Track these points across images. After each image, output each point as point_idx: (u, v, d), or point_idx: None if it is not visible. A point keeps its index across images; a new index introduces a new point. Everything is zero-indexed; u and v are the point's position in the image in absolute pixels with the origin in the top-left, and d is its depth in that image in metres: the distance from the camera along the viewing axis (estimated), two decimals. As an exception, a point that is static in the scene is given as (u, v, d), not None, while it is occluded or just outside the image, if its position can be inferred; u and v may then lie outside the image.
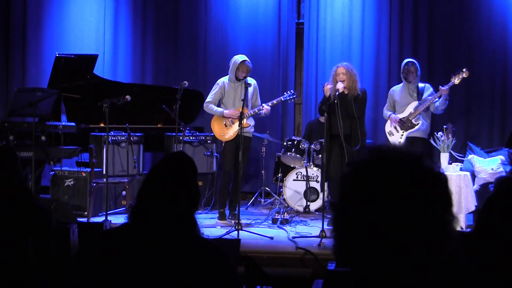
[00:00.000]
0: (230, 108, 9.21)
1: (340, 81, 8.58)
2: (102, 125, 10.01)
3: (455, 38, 11.46)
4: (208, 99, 9.27)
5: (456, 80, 9.08)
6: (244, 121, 9.08)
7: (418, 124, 9.21)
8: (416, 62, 9.40)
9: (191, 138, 10.35)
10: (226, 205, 9.44)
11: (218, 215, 9.31)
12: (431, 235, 1.64)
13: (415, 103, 9.24)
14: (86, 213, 9.05)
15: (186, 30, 12.15)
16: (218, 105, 9.31)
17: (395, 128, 9.40)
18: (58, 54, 9.82)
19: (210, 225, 8.97)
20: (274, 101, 9.38)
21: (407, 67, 9.41)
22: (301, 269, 6.99)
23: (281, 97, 9.49)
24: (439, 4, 11.55)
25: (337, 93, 8.44)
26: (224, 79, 9.26)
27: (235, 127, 9.08)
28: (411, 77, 9.33)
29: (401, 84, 9.53)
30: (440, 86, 9.08)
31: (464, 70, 9.16)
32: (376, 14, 11.70)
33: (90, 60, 10.17)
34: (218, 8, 12.11)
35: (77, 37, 11.88)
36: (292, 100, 9.73)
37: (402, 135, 9.29)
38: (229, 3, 12.07)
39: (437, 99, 9.08)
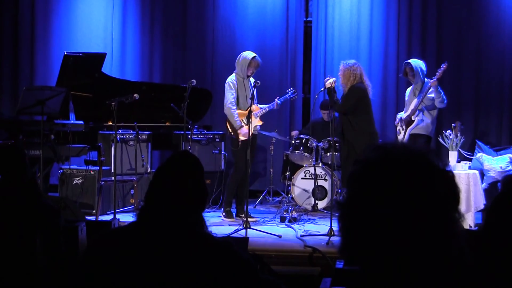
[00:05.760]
0: (242, 107, 9.21)
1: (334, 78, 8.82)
2: (110, 123, 10.01)
3: (464, 36, 11.45)
4: (230, 100, 9.15)
5: (439, 74, 9.06)
6: (257, 118, 9.18)
7: (416, 120, 9.20)
8: (410, 62, 9.32)
9: (199, 136, 10.35)
10: (233, 203, 9.47)
11: (224, 214, 9.31)
12: (438, 233, 1.63)
13: (416, 100, 9.24)
14: (94, 211, 9.05)
15: (194, 29, 12.16)
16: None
17: (401, 126, 9.43)
18: (66, 52, 9.83)
19: (218, 223, 8.98)
20: (282, 99, 9.46)
21: (403, 69, 9.49)
22: (309, 268, 6.99)
23: (286, 96, 9.59)
24: (448, 2, 11.53)
25: (322, 88, 8.74)
26: (233, 78, 9.25)
27: (251, 126, 9.08)
28: (410, 78, 9.36)
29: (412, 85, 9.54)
30: (428, 79, 9.11)
31: (445, 63, 9.14)
32: (384, 12, 11.69)
33: (99, 58, 10.18)
34: (226, 6, 12.11)
35: (85, 36, 11.89)
36: (296, 96, 9.89)
37: (405, 132, 9.31)
38: (237, 1, 12.07)
39: (430, 92, 9.08)
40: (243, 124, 9.12)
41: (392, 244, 1.63)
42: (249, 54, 9.18)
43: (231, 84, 9.20)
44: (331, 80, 8.80)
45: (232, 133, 9.26)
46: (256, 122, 9.23)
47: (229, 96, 9.21)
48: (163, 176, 2.94)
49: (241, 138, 9.12)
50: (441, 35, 11.54)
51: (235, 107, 9.18)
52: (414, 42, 11.61)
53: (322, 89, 8.84)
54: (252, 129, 8.88)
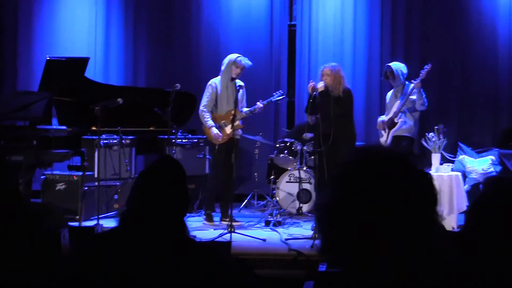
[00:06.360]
0: (223, 109, 9.22)
1: (323, 81, 8.70)
2: (94, 128, 9.97)
3: (447, 39, 11.51)
4: (203, 103, 9.26)
5: (423, 75, 9.11)
6: (237, 122, 9.14)
7: (399, 122, 9.25)
8: (391, 66, 9.46)
9: (183, 140, 10.33)
10: (215, 207, 9.47)
11: (205, 217, 9.31)
12: (418, 233, 1.64)
13: (398, 102, 9.30)
14: (77, 217, 9.00)
15: (179, 32, 12.15)
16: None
17: (383, 129, 9.46)
18: (49, 57, 9.79)
19: (203, 227, 8.97)
20: (265, 102, 9.41)
21: (384, 72, 9.59)
22: (294, 271, 6.99)
23: (271, 98, 9.55)
24: (431, 6, 11.60)
25: (315, 92, 8.55)
26: (215, 81, 9.27)
27: (228, 130, 9.07)
28: (391, 81, 9.45)
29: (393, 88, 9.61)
30: (412, 80, 9.17)
31: (429, 65, 9.19)
32: (368, 16, 11.74)
33: (82, 63, 10.12)
34: (210, 10, 12.10)
35: (68, 40, 11.84)
36: (282, 99, 9.85)
37: (388, 134, 9.35)
38: (221, 5, 12.07)
39: (413, 93, 9.13)
40: (213, 124, 9.15)
41: (373, 245, 1.64)
42: (232, 56, 9.22)
43: (210, 87, 9.28)
44: (321, 84, 8.75)
45: (208, 138, 9.36)
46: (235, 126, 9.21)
47: (203, 99, 9.31)
48: (145, 181, 2.94)
49: (214, 141, 9.17)
50: (424, 38, 11.61)
51: (206, 109, 9.23)
52: (398, 46, 11.66)
53: (314, 93, 8.70)
54: (231, 133, 8.93)
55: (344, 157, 1.78)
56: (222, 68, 9.24)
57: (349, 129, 8.99)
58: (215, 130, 9.10)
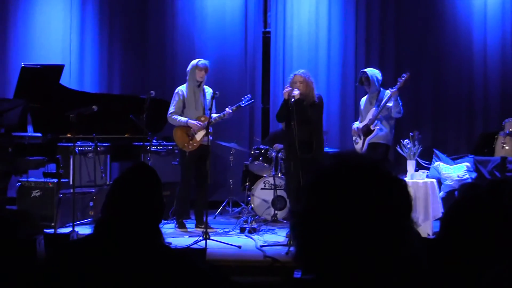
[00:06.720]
0: (191, 115, 9.26)
1: (297, 88, 8.62)
2: (69, 135, 9.92)
3: (422, 46, 11.60)
4: (171, 110, 9.32)
5: (400, 84, 9.15)
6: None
7: (375, 129, 9.27)
8: (366, 71, 9.45)
9: (158, 147, 10.32)
10: (190, 214, 9.47)
11: (177, 225, 9.30)
12: (392, 240, 1.65)
13: (373, 109, 9.31)
14: (53, 224, 8.96)
15: (154, 39, 12.14)
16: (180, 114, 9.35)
17: (359, 136, 9.48)
18: (24, 64, 9.73)
19: (177, 234, 8.95)
20: (234, 107, 9.39)
21: (359, 78, 9.61)
22: (269, 278, 6.99)
23: (240, 103, 9.51)
24: (406, 12, 11.68)
25: (292, 100, 8.47)
26: (182, 88, 9.34)
27: (199, 137, 9.11)
28: (366, 87, 9.47)
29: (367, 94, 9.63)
30: (389, 88, 9.19)
31: (407, 73, 9.23)
32: (342, 22, 11.79)
33: (57, 70, 10.07)
34: (185, 16, 12.11)
35: (43, 47, 11.79)
36: (251, 104, 9.79)
37: (364, 142, 9.37)
38: (195, 12, 12.07)
39: (390, 101, 9.15)
40: (187, 118, 9.25)
41: (347, 252, 1.65)
42: (193, 62, 9.36)
43: (176, 94, 9.39)
44: (297, 91, 8.70)
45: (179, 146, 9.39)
46: (203, 133, 9.19)
47: (171, 107, 9.41)
48: (119, 188, 2.94)
49: (185, 148, 9.19)
50: (399, 46, 11.68)
51: (174, 113, 9.32)
52: (373, 52, 11.72)
53: (292, 100, 8.64)
54: (202, 140, 8.97)
55: (319, 163, 1.79)
56: (187, 77, 9.32)
57: (321, 135, 9.00)
58: (193, 121, 9.16)
